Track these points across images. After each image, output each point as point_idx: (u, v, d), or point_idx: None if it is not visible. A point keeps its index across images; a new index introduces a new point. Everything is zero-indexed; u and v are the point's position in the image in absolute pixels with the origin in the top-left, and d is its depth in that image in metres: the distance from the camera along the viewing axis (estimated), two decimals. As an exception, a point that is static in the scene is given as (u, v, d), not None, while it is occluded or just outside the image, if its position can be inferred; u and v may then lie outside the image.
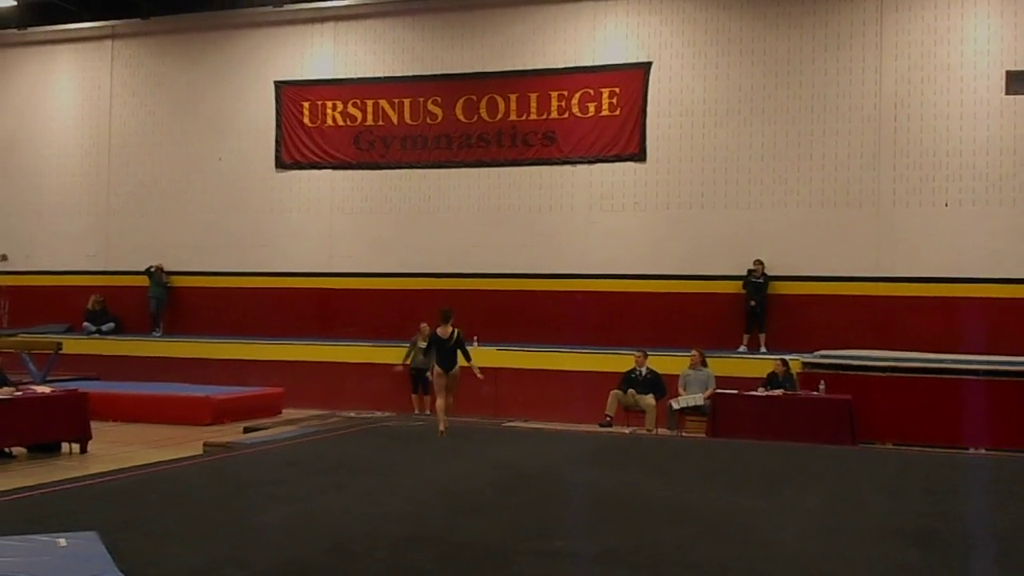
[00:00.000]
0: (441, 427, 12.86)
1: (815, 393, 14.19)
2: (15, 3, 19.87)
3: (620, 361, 15.61)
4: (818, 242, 16.86)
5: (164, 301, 20.23)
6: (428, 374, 13.36)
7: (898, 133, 16.56)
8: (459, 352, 13.00)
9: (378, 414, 15.98)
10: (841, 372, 14.67)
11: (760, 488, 9.72)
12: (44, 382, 15.12)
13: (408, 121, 19.21)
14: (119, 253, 20.93)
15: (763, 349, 16.60)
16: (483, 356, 16.85)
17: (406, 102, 19.21)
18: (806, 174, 17.00)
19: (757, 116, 17.29)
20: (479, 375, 13.13)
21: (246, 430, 14.14)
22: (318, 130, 19.76)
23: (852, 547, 7.27)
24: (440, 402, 13.06)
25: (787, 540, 7.44)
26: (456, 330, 13.04)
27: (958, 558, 7.10)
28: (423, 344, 15.41)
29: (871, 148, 16.69)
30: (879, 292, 16.52)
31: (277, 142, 19.99)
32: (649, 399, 14.66)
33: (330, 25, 19.83)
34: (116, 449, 12.85)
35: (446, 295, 18.00)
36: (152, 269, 20.15)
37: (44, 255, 21.43)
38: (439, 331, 13.05)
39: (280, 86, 20.00)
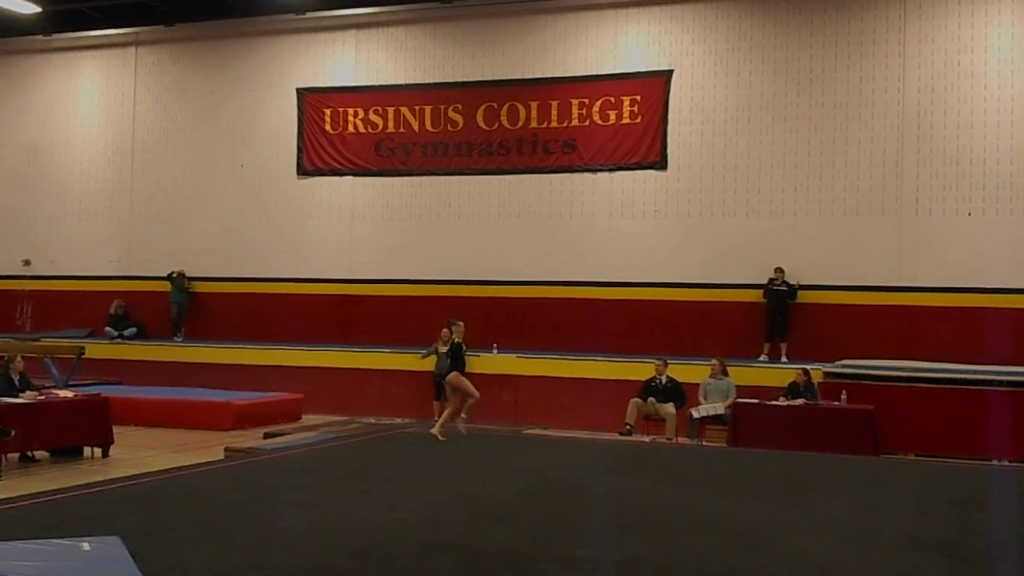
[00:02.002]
0: (435, 429, 13.26)
1: (837, 403, 14.11)
2: (40, 10, 20.03)
3: (640, 369, 15.59)
4: (840, 251, 16.78)
5: (185, 306, 20.33)
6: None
7: (921, 141, 16.48)
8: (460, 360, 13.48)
9: (398, 420, 16.03)
10: (863, 382, 14.59)
11: (782, 498, 9.67)
12: (67, 387, 15.18)
13: (429, 128, 19.25)
14: (141, 259, 21.04)
15: (784, 358, 16.51)
16: (503, 363, 16.99)
17: (427, 109, 19.26)
18: (828, 182, 16.93)
19: (779, 124, 17.24)
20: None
21: (266, 435, 14.20)
22: (339, 137, 19.83)
23: (875, 557, 7.21)
24: (448, 410, 13.55)
25: (810, 550, 7.40)
26: (456, 341, 13.39)
27: (982, 570, 7.04)
28: (443, 350, 15.43)
29: (894, 156, 16.61)
30: (902, 301, 16.42)
31: (299, 149, 20.07)
32: (669, 408, 14.61)
33: (352, 33, 19.91)
34: (138, 453, 12.91)
35: (466, 302, 18.07)
36: (174, 275, 20.26)
37: (67, 260, 21.57)
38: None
39: (302, 93, 20.08)
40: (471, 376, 15.22)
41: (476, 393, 13.34)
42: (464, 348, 13.67)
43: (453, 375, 13.39)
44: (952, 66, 16.38)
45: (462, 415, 13.38)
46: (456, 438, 13.21)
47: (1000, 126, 16.11)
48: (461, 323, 13.77)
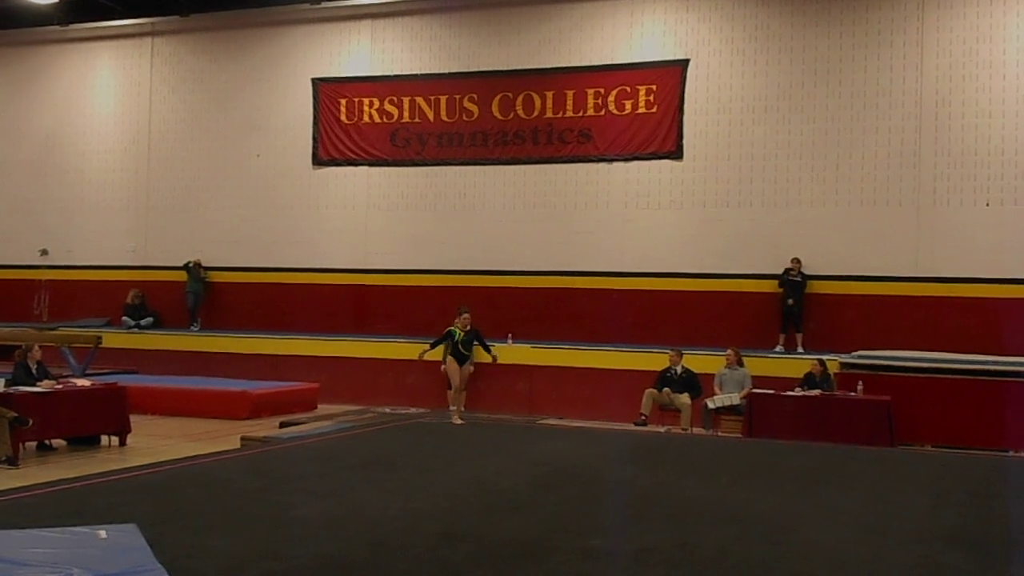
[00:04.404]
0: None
1: (853, 394, 14.05)
2: (56, 0, 20.08)
3: (655, 359, 15.55)
4: (857, 241, 16.70)
5: (202, 296, 20.39)
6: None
7: (939, 131, 16.37)
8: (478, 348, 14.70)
9: (413, 410, 16.07)
10: (880, 373, 14.51)
11: (798, 489, 9.65)
12: (84, 376, 15.26)
13: (444, 118, 19.23)
14: (158, 248, 21.12)
15: (800, 349, 16.46)
16: (518, 353, 16.99)
17: (442, 99, 19.24)
18: (845, 172, 16.84)
19: (795, 114, 17.15)
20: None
21: (282, 425, 14.26)
22: (355, 127, 19.83)
23: (892, 550, 7.19)
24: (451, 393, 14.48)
25: (826, 542, 7.37)
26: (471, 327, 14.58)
27: (1000, 562, 7.00)
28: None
29: (911, 146, 16.50)
30: (919, 292, 16.33)
31: (314, 139, 20.09)
32: (684, 398, 14.58)
33: (367, 22, 19.90)
34: (154, 442, 12.97)
35: (481, 292, 18.10)
36: (190, 264, 20.31)
37: (84, 250, 21.66)
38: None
39: (317, 83, 20.09)
40: (486, 364, 15.32)
41: (454, 383, 14.23)
42: (457, 336, 14.36)
43: (447, 362, 14.33)
44: (970, 55, 16.26)
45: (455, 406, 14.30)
46: (468, 427, 13.33)
47: (1019, 115, 15.98)
48: (466, 313, 14.59)
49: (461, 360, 14.29)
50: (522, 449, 11.96)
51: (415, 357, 15.11)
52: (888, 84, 16.66)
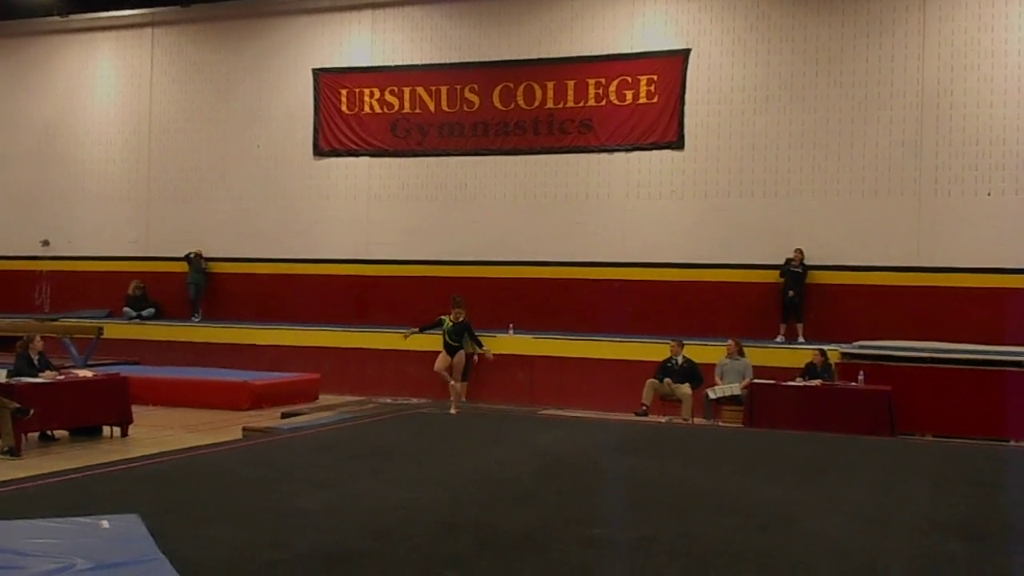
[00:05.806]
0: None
1: (854, 384, 14.06)
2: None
3: (656, 350, 15.57)
4: (858, 231, 16.70)
5: (203, 287, 20.41)
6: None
7: (940, 121, 16.35)
8: (466, 339, 14.18)
9: (415, 400, 16.09)
10: (881, 363, 14.52)
11: (799, 479, 9.65)
12: (86, 366, 15.29)
13: (445, 108, 19.21)
14: (159, 239, 21.13)
15: (801, 339, 16.47)
16: (519, 344, 16.99)
17: (443, 89, 19.21)
18: (846, 162, 16.83)
19: (797, 104, 17.13)
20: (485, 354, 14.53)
21: (284, 415, 14.27)
22: (355, 117, 19.81)
23: (894, 539, 7.20)
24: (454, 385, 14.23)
25: (828, 531, 7.38)
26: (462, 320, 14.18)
27: (1000, 551, 7.01)
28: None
29: (913, 136, 16.49)
30: (920, 282, 16.33)
31: (315, 129, 20.07)
32: (685, 388, 14.60)
33: (368, 12, 19.87)
34: (156, 433, 12.99)
35: (482, 283, 18.12)
36: (191, 255, 20.32)
37: (85, 241, 21.68)
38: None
39: (318, 73, 20.07)
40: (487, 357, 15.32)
41: (444, 375, 14.09)
42: (445, 325, 14.11)
43: (461, 355, 14.13)
44: (972, 45, 16.23)
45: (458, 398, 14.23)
46: (468, 417, 13.35)
47: (1020, 105, 15.97)
48: (459, 307, 14.39)
49: (451, 351, 14.12)
50: (523, 439, 11.96)
51: (403, 341, 15.19)
52: (889, 73, 16.64)
